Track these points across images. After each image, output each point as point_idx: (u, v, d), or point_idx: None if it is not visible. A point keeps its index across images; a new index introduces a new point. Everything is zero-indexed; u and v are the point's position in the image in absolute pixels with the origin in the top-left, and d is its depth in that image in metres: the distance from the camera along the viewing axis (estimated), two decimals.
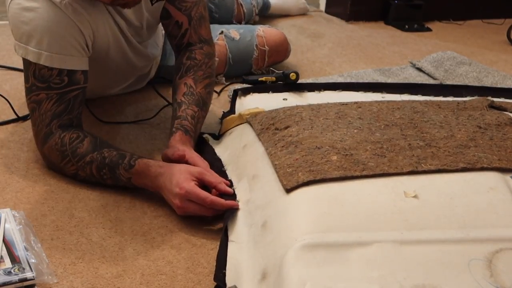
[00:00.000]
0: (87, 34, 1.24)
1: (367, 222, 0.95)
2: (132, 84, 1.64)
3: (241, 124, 1.37)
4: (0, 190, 1.21)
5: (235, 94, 1.56)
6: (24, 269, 0.93)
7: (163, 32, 1.64)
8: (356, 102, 1.35)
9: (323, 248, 0.89)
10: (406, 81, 1.92)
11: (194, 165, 1.16)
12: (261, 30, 1.85)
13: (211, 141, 1.38)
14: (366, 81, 1.89)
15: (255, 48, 1.81)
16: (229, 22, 2.12)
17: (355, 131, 1.18)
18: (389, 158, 1.08)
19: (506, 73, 2.04)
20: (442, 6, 2.78)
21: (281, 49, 1.88)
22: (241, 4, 2.21)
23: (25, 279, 0.92)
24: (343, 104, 1.34)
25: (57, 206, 1.16)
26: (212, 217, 1.12)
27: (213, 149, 1.34)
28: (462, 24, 2.78)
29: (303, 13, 2.68)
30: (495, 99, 1.45)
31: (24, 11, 1.18)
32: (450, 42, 2.47)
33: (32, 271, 0.93)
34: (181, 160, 1.17)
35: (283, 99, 1.48)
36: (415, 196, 1.00)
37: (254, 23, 2.30)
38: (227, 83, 1.76)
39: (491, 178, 1.06)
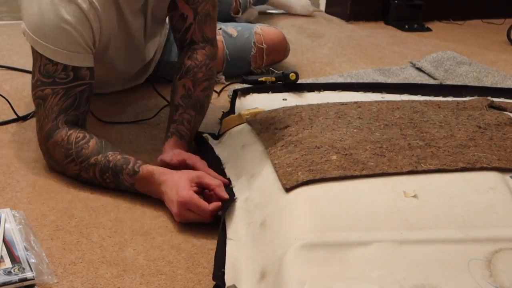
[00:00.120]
0: (96, 28, 1.23)
1: (366, 221, 0.95)
2: (130, 80, 1.65)
3: (241, 124, 1.37)
4: (0, 190, 1.21)
5: (235, 95, 1.56)
6: (24, 269, 0.93)
7: (166, 29, 1.64)
8: (355, 102, 1.36)
9: (323, 248, 0.89)
10: (406, 81, 1.92)
11: (192, 165, 1.17)
12: (259, 28, 1.85)
13: (211, 140, 1.38)
14: (366, 81, 1.89)
15: (252, 45, 1.81)
16: (227, 15, 2.11)
17: (355, 130, 1.18)
18: (388, 157, 1.08)
19: (506, 73, 2.04)
20: (442, 6, 2.78)
21: (280, 48, 1.88)
22: None
23: (25, 279, 0.92)
24: (342, 104, 1.34)
25: (57, 206, 1.16)
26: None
27: (212, 148, 1.34)
28: (462, 24, 2.78)
29: (307, 14, 2.64)
30: (495, 99, 1.45)
31: (38, 1, 1.17)
32: (450, 42, 2.47)
33: (32, 271, 0.93)
34: (182, 164, 1.18)
35: (283, 99, 1.48)
36: (414, 196, 1.00)
37: (252, 20, 2.29)
38: (227, 83, 1.76)
39: (491, 178, 1.06)
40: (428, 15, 2.72)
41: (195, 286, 0.99)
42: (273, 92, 1.54)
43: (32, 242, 1.02)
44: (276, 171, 1.08)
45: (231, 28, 1.82)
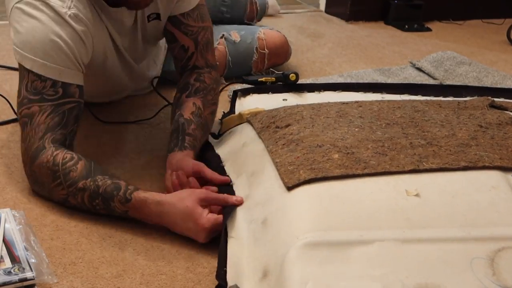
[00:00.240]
0: (89, 45, 1.20)
1: (368, 220, 0.94)
2: (133, 91, 1.63)
3: (241, 123, 1.37)
4: (0, 190, 1.20)
5: (235, 95, 1.56)
6: (24, 269, 0.93)
7: (165, 46, 1.62)
8: (356, 101, 1.35)
9: (325, 247, 0.89)
10: (406, 81, 1.92)
11: (198, 171, 1.16)
12: (262, 32, 1.84)
13: (211, 139, 1.38)
14: (366, 81, 1.89)
15: (255, 51, 1.81)
16: (241, 20, 2.09)
17: (356, 129, 1.17)
18: (390, 156, 1.08)
19: (506, 73, 2.04)
20: (442, 6, 2.78)
21: (281, 52, 1.88)
22: (254, 2, 2.16)
23: (25, 279, 0.92)
24: (343, 103, 1.33)
25: (57, 206, 1.16)
26: None
27: (212, 147, 1.34)
28: (462, 24, 2.78)
29: (274, 15, 2.59)
30: (495, 99, 1.45)
31: (27, 17, 1.13)
32: (450, 42, 2.47)
33: (32, 271, 0.93)
34: (195, 174, 1.16)
35: (283, 100, 1.48)
36: (416, 195, 1.00)
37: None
38: (227, 83, 1.76)
39: (493, 176, 1.06)
40: (428, 15, 2.72)
41: (195, 286, 0.98)
42: (273, 92, 1.54)
43: (32, 242, 1.01)
44: (278, 170, 1.08)
45: (234, 33, 1.81)
